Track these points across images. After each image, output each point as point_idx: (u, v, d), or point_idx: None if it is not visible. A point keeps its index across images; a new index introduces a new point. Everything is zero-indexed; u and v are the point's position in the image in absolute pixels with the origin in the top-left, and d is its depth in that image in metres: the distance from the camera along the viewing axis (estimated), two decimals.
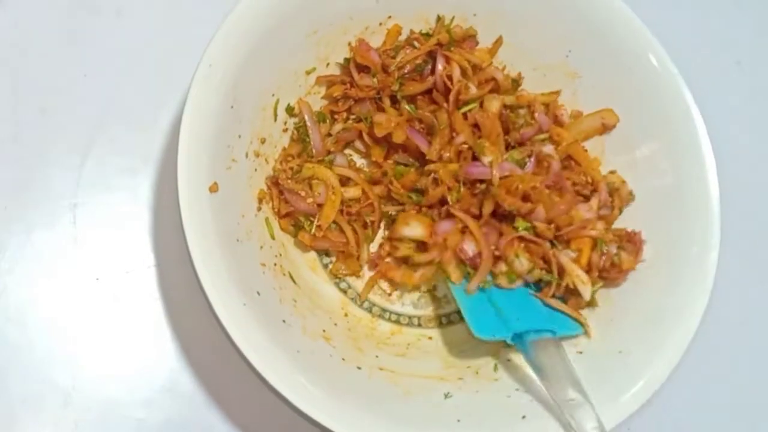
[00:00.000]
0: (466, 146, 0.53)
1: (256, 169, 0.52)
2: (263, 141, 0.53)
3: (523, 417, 0.48)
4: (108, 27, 0.58)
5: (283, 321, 0.48)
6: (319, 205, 0.53)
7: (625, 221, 0.56)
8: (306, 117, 0.55)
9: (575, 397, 0.47)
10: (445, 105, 0.55)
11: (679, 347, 0.49)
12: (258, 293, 0.48)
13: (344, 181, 0.55)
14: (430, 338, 0.55)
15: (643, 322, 0.51)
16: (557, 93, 0.58)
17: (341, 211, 0.54)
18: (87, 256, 0.53)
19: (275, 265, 0.52)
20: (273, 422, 0.53)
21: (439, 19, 0.58)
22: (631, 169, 0.56)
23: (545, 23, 0.57)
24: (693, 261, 0.52)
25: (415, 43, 0.57)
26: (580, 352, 0.51)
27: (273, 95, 0.53)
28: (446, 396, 0.49)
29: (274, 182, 0.53)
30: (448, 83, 0.55)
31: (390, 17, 0.57)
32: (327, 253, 0.56)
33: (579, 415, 0.46)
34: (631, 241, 0.54)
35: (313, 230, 0.53)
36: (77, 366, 0.51)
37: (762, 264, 0.64)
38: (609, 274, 0.53)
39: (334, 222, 0.54)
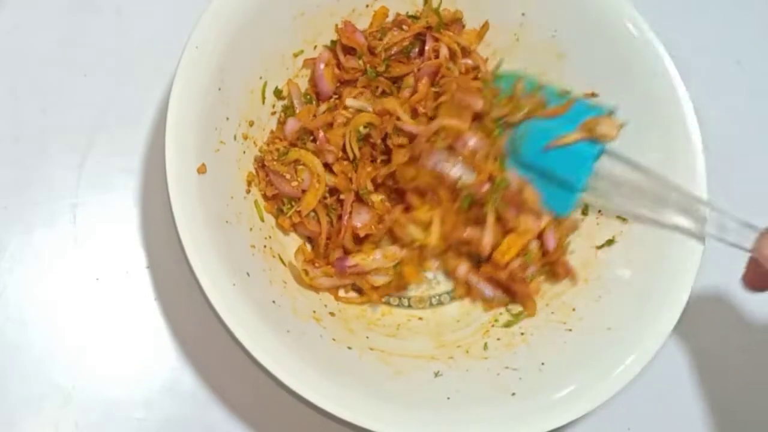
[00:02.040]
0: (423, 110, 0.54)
1: (244, 152, 0.53)
2: (251, 124, 0.53)
3: (513, 394, 0.48)
4: (108, 26, 0.58)
5: (273, 302, 0.48)
6: (303, 191, 0.53)
7: (613, 230, 0.56)
8: (294, 99, 0.55)
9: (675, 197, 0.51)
10: (415, 70, 0.55)
11: (669, 321, 0.50)
12: (248, 274, 0.48)
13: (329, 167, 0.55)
14: (420, 319, 0.55)
15: (632, 297, 0.51)
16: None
17: (324, 203, 0.54)
18: (87, 256, 0.53)
19: (265, 247, 0.52)
20: (273, 421, 0.53)
21: (426, 2, 0.58)
22: (619, 146, 0.55)
23: (530, 2, 0.57)
24: (681, 236, 0.52)
25: (403, 26, 0.57)
26: (570, 330, 0.52)
27: (261, 78, 0.53)
28: (436, 374, 0.50)
29: (261, 164, 0.53)
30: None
31: None
32: (310, 240, 0.56)
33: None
34: (554, 269, 0.55)
35: (290, 214, 0.53)
36: (77, 366, 0.51)
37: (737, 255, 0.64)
38: (514, 285, 0.54)
39: (314, 211, 0.53)
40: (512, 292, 0.54)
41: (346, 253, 0.53)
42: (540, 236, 0.54)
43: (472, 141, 0.52)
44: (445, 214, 0.52)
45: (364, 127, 0.54)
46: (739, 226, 0.49)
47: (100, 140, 0.56)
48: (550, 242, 0.53)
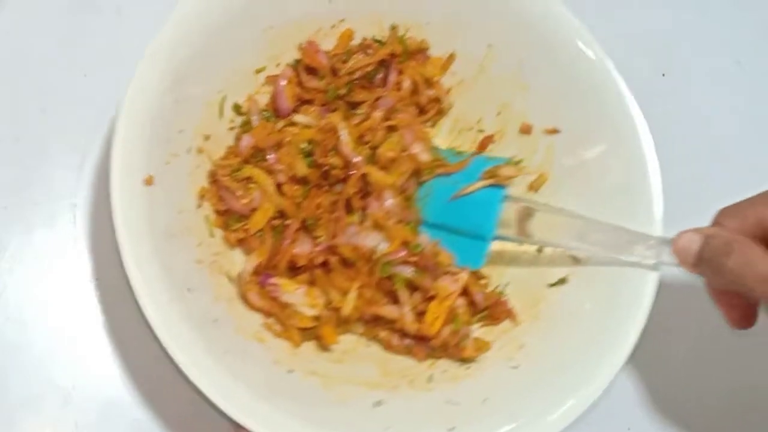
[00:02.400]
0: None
1: (198, 166, 0.52)
2: (207, 138, 0.52)
3: (452, 429, 0.47)
4: (108, 26, 0.58)
5: (215, 320, 0.48)
6: (253, 210, 0.52)
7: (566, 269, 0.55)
8: (252, 115, 0.54)
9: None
10: (372, 100, 0.55)
11: (618, 360, 0.49)
12: (189, 290, 0.47)
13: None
14: (368, 346, 0.54)
15: (583, 335, 0.51)
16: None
17: (272, 225, 0.53)
18: (87, 256, 0.53)
19: (213, 263, 0.51)
20: None
21: (393, 28, 0.57)
22: (580, 170, 0.56)
23: (497, 34, 0.57)
24: (634, 271, 0.52)
25: (368, 51, 0.56)
26: (516, 367, 0.51)
27: (219, 92, 0.53)
28: (377, 404, 0.49)
29: (213, 178, 0.52)
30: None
31: (342, 20, 0.56)
32: None
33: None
34: (492, 313, 0.54)
35: (235, 228, 0.52)
36: (77, 366, 0.51)
37: None
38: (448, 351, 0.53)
39: (262, 230, 0.53)
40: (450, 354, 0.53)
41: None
42: (464, 293, 0.53)
43: (389, 201, 0.52)
44: (364, 287, 0.51)
45: (308, 143, 0.53)
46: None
47: (100, 140, 0.56)
48: (478, 297, 0.53)
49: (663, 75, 0.56)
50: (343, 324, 0.52)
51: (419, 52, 0.58)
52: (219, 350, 0.45)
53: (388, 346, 0.53)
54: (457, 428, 0.47)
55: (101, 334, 0.52)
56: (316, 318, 0.51)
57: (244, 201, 0.52)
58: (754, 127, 0.68)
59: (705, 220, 0.50)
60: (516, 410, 0.48)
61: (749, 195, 0.66)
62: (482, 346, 0.53)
